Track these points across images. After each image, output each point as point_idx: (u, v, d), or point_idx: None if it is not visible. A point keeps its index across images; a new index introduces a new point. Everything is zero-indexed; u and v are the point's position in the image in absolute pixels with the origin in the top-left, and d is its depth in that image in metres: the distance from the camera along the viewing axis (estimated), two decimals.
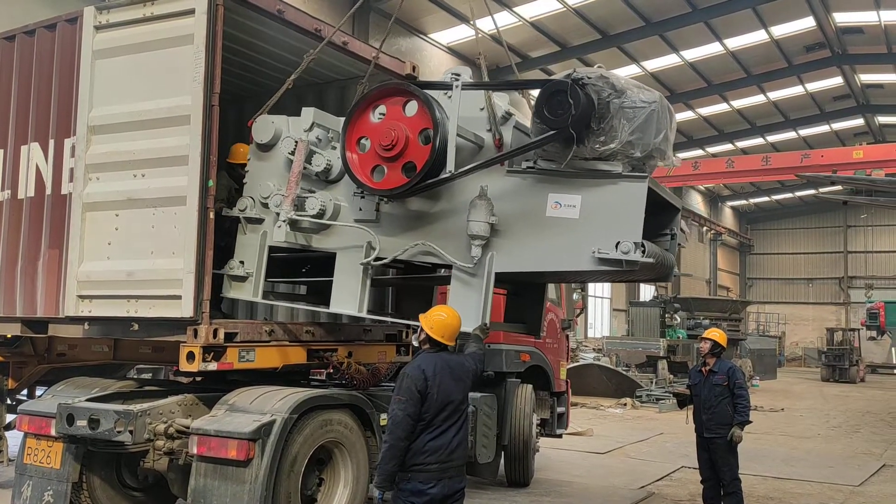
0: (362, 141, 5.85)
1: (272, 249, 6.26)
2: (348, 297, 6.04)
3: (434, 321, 4.93)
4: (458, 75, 5.68)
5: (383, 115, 5.82)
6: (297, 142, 6.00)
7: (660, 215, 6.05)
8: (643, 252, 5.15)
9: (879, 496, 9.31)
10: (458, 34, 23.25)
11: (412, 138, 5.62)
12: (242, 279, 6.28)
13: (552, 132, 5.18)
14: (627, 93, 5.22)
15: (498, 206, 5.51)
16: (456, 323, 4.97)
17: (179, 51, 5.66)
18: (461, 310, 5.41)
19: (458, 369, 4.92)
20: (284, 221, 5.87)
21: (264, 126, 6.25)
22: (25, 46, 6.67)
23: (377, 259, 5.90)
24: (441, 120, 5.47)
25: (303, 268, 6.71)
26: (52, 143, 6.37)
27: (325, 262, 6.31)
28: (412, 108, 5.70)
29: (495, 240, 5.54)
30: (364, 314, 6.06)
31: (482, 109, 5.69)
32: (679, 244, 6.33)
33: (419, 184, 5.56)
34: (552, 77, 5.36)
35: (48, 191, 6.36)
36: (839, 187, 31.51)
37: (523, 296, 7.22)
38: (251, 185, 6.34)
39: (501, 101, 5.82)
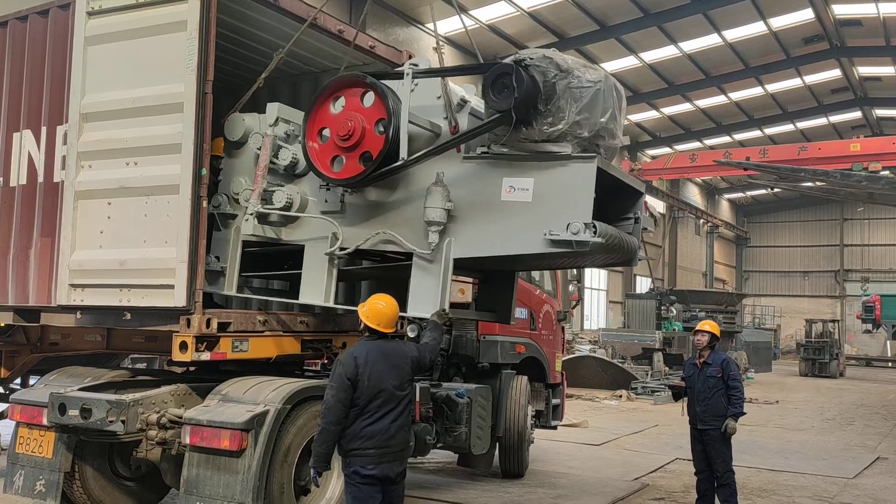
0: (324, 132, 5.93)
1: (248, 245, 6.34)
2: (317, 287, 6.12)
3: (369, 309, 5.00)
4: (416, 65, 5.79)
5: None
6: (263, 136, 6.10)
7: (623, 199, 6.11)
8: (594, 232, 5.17)
9: (874, 489, 9.33)
10: (455, 24, 23.08)
11: (369, 128, 5.71)
12: (218, 274, 6.34)
13: (497, 115, 5.22)
14: (574, 73, 5.23)
15: (455, 192, 5.58)
16: (391, 311, 5.02)
17: (173, 37, 5.60)
18: (420, 296, 5.53)
19: (394, 356, 4.97)
20: (252, 214, 6.00)
21: (235, 124, 6.34)
22: (18, 32, 6.61)
23: (342, 249, 5.99)
24: (395, 109, 5.54)
25: (285, 263, 6.72)
26: (44, 130, 6.32)
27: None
28: (369, 98, 5.78)
29: (452, 226, 5.62)
30: (331, 304, 6.14)
31: (439, 97, 5.74)
32: (645, 228, 6.35)
33: (374, 172, 5.64)
34: (497, 61, 5.41)
35: (40, 178, 6.32)
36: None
37: (494, 284, 7.28)
38: (225, 181, 6.42)
39: (467, 89, 5.88)
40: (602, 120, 5.31)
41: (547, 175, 5.38)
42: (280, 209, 6.11)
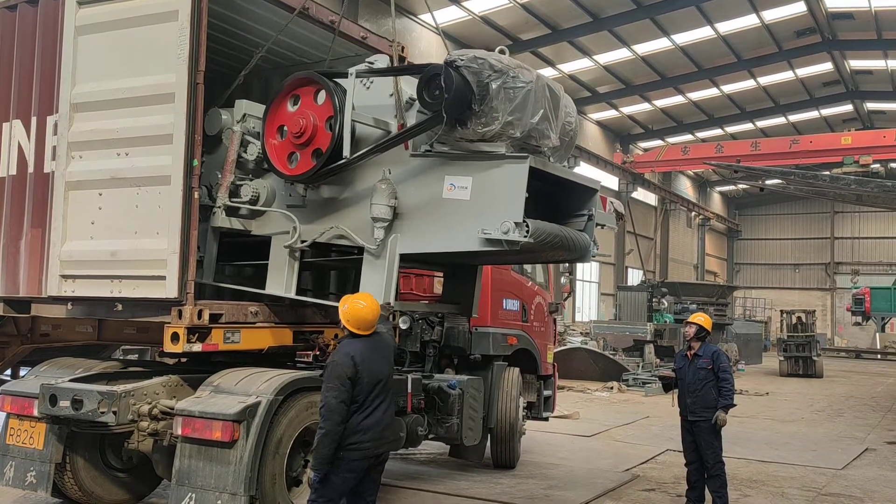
0: (283, 129, 6.06)
1: (227, 235, 6.46)
2: (280, 278, 6.25)
3: (350, 310, 5.01)
4: (373, 63, 5.99)
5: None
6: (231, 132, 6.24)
7: (576, 196, 6.21)
8: (526, 232, 5.24)
9: (862, 479, 9.40)
10: (449, 15, 23.09)
11: (320, 125, 5.86)
12: (198, 262, 6.37)
13: (430, 116, 5.35)
14: (509, 73, 5.28)
15: (403, 189, 5.73)
16: (371, 315, 5.04)
17: (164, 27, 5.58)
18: (367, 289, 5.66)
19: (384, 348, 5.12)
20: (220, 207, 6.16)
21: (213, 119, 6.40)
22: (7, 22, 6.56)
23: (301, 242, 6.14)
24: (342, 107, 5.66)
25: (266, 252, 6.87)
26: (34, 120, 6.28)
27: None
28: (322, 96, 5.89)
29: (399, 222, 5.76)
30: (293, 295, 6.26)
31: (391, 96, 5.82)
32: (603, 225, 6.42)
33: (322, 168, 5.78)
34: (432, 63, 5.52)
35: (30, 169, 6.29)
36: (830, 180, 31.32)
37: (457, 277, 7.37)
38: (205, 174, 6.49)
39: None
40: (533, 120, 5.38)
41: (484, 174, 5.48)
42: (246, 203, 6.27)
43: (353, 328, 5.00)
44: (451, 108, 5.22)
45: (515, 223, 5.23)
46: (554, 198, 6.08)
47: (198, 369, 6.13)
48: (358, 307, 5.02)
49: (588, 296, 36.17)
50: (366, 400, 4.85)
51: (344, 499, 4.95)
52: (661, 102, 34.16)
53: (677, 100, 33.97)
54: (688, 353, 7.47)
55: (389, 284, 5.79)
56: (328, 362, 4.99)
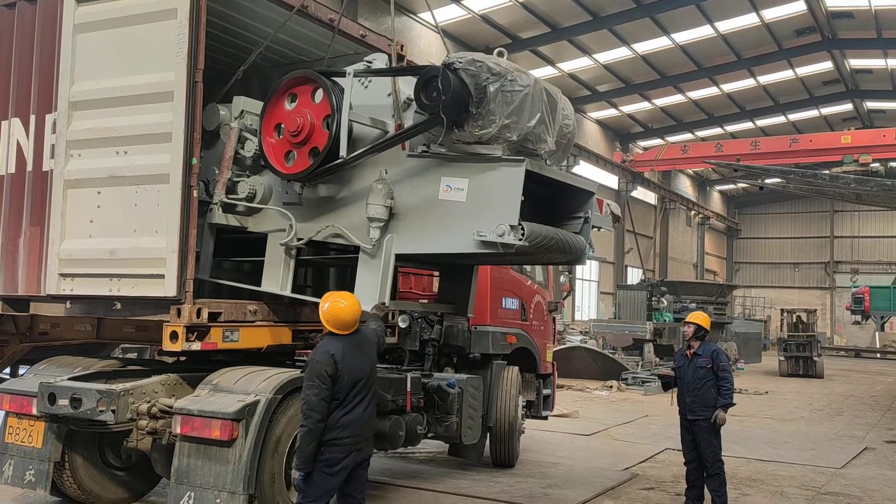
0: (281, 127, 6.07)
1: (225, 231, 6.47)
2: (276, 276, 6.27)
3: (330, 309, 5.00)
4: (371, 62, 6.02)
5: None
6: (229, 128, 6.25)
7: (573, 199, 6.24)
8: (521, 235, 5.26)
9: (861, 479, 9.40)
10: (449, 13, 23.08)
11: (317, 124, 5.87)
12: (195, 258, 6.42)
13: (427, 118, 5.37)
14: (507, 76, 5.29)
15: (399, 190, 5.74)
16: (351, 316, 5.01)
17: (163, 25, 5.58)
18: (363, 288, 5.71)
19: (366, 345, 5.11)
20: (217, 203, 6.17)
21: (211, 114, 6.41)
22: (5, 20, 6.55)
23: (298, 239, 6.16)
24: (340, 106, 5.68)
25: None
26: (33, 118, 6.28)
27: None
28: (319, 95, 5.91)
29: (395, 222, 5.78)
30: (288, 293, 6.27)
31: (389, 95, 5.82)
32: (599, 227, 6.46)
33: (319, 168, 5.79)
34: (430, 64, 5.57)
35: (29, 167, 6.28)
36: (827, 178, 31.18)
37: (452, 277, 7.38)
38: (202, 170, 6.49)
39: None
40: (530, 124, 5.40)
41: (480, 176, 5.50)
42: (243, 199, 6.28)
43: (333, 328, 4.99)
44: (449, 110, 5.22)
45: (511, 226, 5.25)
46: (550, 200, 6.10)
47: (196, 368, 6.13)
48: (338, 307, 5.00)
49: (587, 294, 36.17)
50: (346, 397, 4.86)
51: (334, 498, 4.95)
52: (661, 101, 34.15)
53: (677, 98, 33.97)
54: (687, 353, 7.46)
55: (384, 284, 5.80)
56: (308, 360, 5.00)
